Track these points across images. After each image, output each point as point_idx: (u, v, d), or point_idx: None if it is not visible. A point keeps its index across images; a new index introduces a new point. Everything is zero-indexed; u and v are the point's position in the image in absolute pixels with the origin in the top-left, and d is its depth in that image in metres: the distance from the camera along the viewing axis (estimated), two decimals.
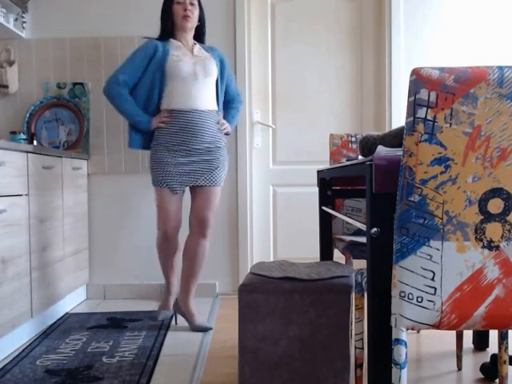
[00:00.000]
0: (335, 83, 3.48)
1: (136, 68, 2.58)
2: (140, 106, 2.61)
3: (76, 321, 2.79)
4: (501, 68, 1.09)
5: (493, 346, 2.27)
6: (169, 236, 2.64)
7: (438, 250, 1.15)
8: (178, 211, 2.62)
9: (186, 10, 2.58)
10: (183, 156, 2.55)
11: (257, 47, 3.46)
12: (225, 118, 2.78)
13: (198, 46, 2.69)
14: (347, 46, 3.47)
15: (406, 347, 1.19)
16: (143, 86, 2.59)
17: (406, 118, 1.14)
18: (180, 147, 2.54)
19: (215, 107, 2.65)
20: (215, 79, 2.65)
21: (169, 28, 2.64)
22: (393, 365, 1.19)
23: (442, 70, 1.10)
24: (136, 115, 2.57)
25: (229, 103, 2.82)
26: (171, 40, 2.65)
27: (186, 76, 2.54)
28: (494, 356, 1.95)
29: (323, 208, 2.33)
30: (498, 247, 1.15)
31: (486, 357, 2.18)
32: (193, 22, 2.63)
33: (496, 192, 1.14)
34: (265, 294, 1.65)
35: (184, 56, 2.58)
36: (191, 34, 2.69)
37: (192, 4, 2.61)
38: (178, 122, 2.53)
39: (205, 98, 2.58)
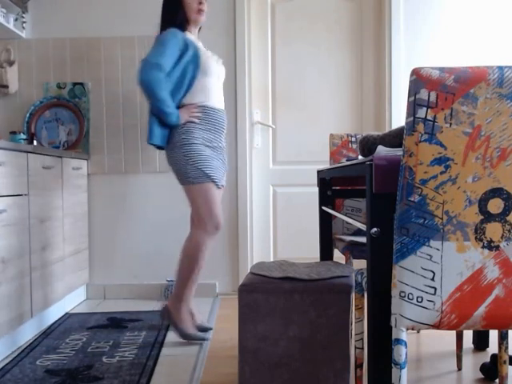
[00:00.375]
0: (335, 83, 3.48)
1: (171, 55, 2.36)
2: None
3: (76, 321, 2.79)
4: (501, 68, 1.09)
5: (493, 346, 2.27)
6: (218, 231, 2.47)
7: (438, 249, 1.15)
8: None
9: (201, 3, 2.46)
10: (217, 153, 2.49)
11: (257, 47, 3.46)
12: None
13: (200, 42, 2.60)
14: (347, 46, 3.47)
15: (406, 347, 1.19)
16: (172, 77, 2.39)
17: (406, 118, 1.14)
18: (213, 144, 2.47)
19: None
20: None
21: (181, 20, 2.46)
22: (393, 365, 1.19)
23: (442, 69, 1.10)
24: (168, 106, 2.34)
25: None
26: (187, 33, 2.50)
27: (214, 75, 2.47)
28: (493, 356, 1.95)
29: (323, 208, 2.33)
30: (497, 247, 1.15)
31: (486, 357, 2.18)
32: (205, 17, 2.52)
33: (496, 192, 1.14)
34: (265, 294, 1.65)
35: (207, 53, 2.49)
36: (198, 29, 2.59)
37: None
38: (211, 118, 2.45)
39: (222, 97, 2.56)
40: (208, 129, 2.44)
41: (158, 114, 2.35)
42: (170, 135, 2.42)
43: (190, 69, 2.40)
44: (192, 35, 2.51)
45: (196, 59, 2.41)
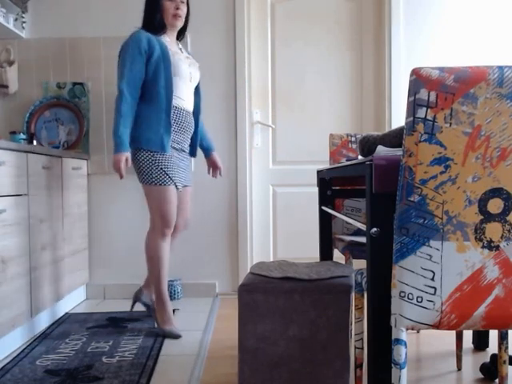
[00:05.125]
0: (335, 83, 3.48)
1: (137, 63, 2.40)
2: (154, 103, 2.45)
3: (76, 321, 2.79)
4: (501, 68, 1.09)
5: (493, 346, 2.27)
6: (170, 230, 2.54)
7: (438, 249, 1.15)
8: (176, 209, 2.59)
9: (177, 8, 2.49)
10: (183, 155, 2.60)
11: (257, 47, 3.46)
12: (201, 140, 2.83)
13: (179, 45, 2.64)
14: (347, 46, 3.47)
15: (406, 347, 1.19)
16: (150, 84, 2.44)
17: (406, 118, 1.14)
18: (181, 146, 2.55)
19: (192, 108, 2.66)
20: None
21: (158, 22, 2.50)
22: (393, 365, 1.19)
23: (441, 69, 1.10)
24: (121, 134, 2.36)
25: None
26: (163, 36, 2.53)
27: (184, 76, 2.51)
28: (493, 356, 1.95)
29: (323, 208, 2.33)
30: (497, 247, 1.15)
31: (485, 357, 2.18)
32: (182, 22, 2.55)
33: (496, 192, 1.14)
34: (265, 294, 1.65)
35: (178, 54, 2.51)
36: (176, 32, 2.61)
37: (183, 2, 2.53)
38: (182, 120, 2.52)
39: (192, 100, 2.61)
40: (177, 130, 2.51)
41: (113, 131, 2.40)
42: (135, 134, 2.46)
43: (161, 66, 2.42)
44: (168, 38, 2.53)
45: (165, 57, 2.43)
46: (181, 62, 2.48)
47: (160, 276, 2.52)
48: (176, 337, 2.48)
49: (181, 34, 2.66)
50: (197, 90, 2.67)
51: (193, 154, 2.73)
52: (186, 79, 2.51)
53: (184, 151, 2.60)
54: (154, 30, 2.49)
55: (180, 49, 2.61)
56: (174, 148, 2.52)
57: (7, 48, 3.26)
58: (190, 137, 2.61)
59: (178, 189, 2.50)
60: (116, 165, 2.36)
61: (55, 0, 3.32)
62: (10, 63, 3.24)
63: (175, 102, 2.48)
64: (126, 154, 2.38)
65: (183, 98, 2.52)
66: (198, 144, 2.72)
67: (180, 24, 2.54)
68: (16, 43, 3.28)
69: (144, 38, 2.41)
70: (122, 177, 2.39)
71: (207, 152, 2.84)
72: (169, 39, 2.54)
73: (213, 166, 2.84)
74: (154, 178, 2.44)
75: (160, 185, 2.44)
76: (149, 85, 2.44)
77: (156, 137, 2.43)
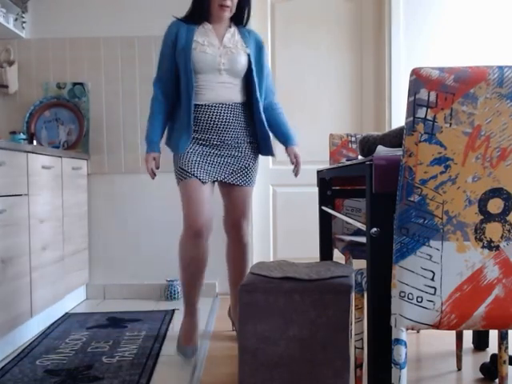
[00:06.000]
0: (335, 83, 3.48)
1: (166, 56, 2.30)
2: (180, 101, 2.30)
3: (76, 321, 2.79)
4: (501, 68, 1.09)
5: (493, 346, 2.27)
6: (201, 233, 2.23)
7: (438, 249, 1.15)
8: (208, 203, 2.27)
9: None
10: (218, 149, 2.31)
11: None
12: (274, 128, 2.46)
13: (231, 32, 2.34)
14: (347, 46, 3.47)
15: (406, 347, 1.19)
16: (179, 79, 2.30)
17: (406, 118, 1.13)
18: (211, 142, 2.30)
19: (245, 99, 2.35)
20: (243, 74, 2.33)
21: (201, 11, 2.29)
22: (393, 365, 1.19)
23: (441, 69, 1.10)
24: (149, 134, 2.31)
25: (266, 107, 2.45)
26: (203, 25, 2.31)
27: (209, 70, 2.25)
28: (493, 356, 1.95)
29: (323, 208, 2.32)
30: (497, 247, 1.15)
31: (485, 357, 2.18)
32: (230, 12, 2.30)
33: (496, 192, 1.14)
34: (265, 294, 1.65)
35: (209, 45, 2.27)
36: (226, 20, 2.34)
37: None
38: (201, 118, 2.27)
39: (231, 92, 2.30)
40: (198, 130, 2.28)
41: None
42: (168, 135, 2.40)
43: (182, 59, 2.25)
44: (210, 27, 2.31)
45: (186, 49, 2.24)
46: (204, 55, 2.24)
47: (184, 280, 2.29)
48: (186, 356, 2.22)
49: (239, 18, 2.38)
50: (251, 79, 2.32)
51: (262, 151, 2.41)
52: (214, 71, 2.25)
53: (219, 146, 2.30)
54: (192, 19, 2.31)
55: (222, 36, 2.32)
56: (203, 144, 2.29)
57: (7, 48, 3.26)
58: (229, 132, 2.29)
59: (203, 182, 2.24)
60: (146, 167, 2.32)
61: (55, 0, 3.32)
62: (10, 63, 3.24)
63: (199, 98, 2.26)
64: (154, 155, 2.29)
65: (211, 93, 2.26)
66: (263, 138, 2.37)
67: (227, 15, 2.29)
68: (16, 43, 3.28)
69: (173, 28, 2.29)
70: (152, 177, 2.33)
71: (285, 145, 2.47)
72: (212, 28, 2.30)
73: (291, 162, 2.46)
74: (177, 176, 2.30)
75: (181, 180, 2.26)
76: (179, 80, 2.30)
77: (176, 138, 2.29)
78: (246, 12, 2.40)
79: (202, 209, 2.23)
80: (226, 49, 2.29)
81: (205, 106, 2.26)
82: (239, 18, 2.38)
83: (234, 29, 2.36)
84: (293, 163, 2.44)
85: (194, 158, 2.27)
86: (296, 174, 2.46)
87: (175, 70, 2.30)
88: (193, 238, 2.22)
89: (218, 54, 2.27)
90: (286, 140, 2.45)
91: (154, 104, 2.32)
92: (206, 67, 2.24)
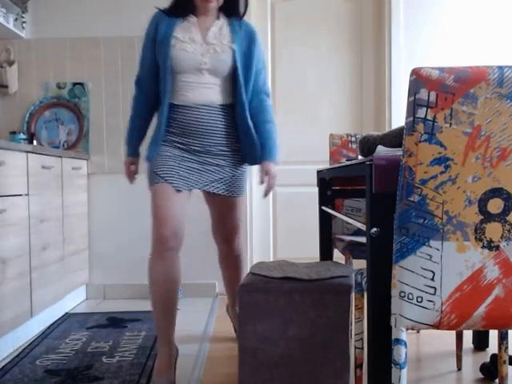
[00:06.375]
0: (335, 83, 3.48)
1: (148, 68, 2.08)
2: (160, 102, 2.09)
3: (76, 321, 2.79)
4: (501, 68, 1.09)
5: (493, 346, 2.27)
6: (170, 246, 1.91)
7: (438, 249, 1.15)
8: (180, 215, 1.97)
9: None
10: (197, 157, 2.06)
11: None
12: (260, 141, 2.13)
13: (219, 25, 2.07)
14: (347, 46, 3.47)
15: (406, 347, 1.19)
16: (160, 78, 2.07)
17: (406, 118, 1.13)
18: (191, 148, 2.05)
19: (230, 100, 2.09)
20: (228, 73, 2.06)
21: (185, 2, 2.05)
22: (393, 365, 1.19)
23: (441, 69, 1.10)
24: (127, 137, 2.15)
25: (250, 110, 2.12)
26: (188, 18, 2.07)
27: (190, 69, 2.01)
28: (493, 356, 1.95)
29: (323, 208, 2.32)
30: (497, 247, 1.15)
31: (485, 357, 2.18)
32: (217, 3, 2.04)
33: (496, 192, 1.14)
34: (265, 294, 1.65)
35: (190, 42, 2.01)
36: (214, 12, 2.09)
37: None
38: (179, 120, 2.03)
39: (213, 93, 2.05)
40: (176, 132, 2.04)
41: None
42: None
43: (161, 56, 2.02)
44: (195, 20, 2.05)
45: (163, 45, 2.00)
46: (183, 54, 1.99)
47: (155, 305, 1.94)
48: None
49: (230, 9, 2.11)
50: (236, 78, 2.06)
51: (246, 159, 2.13)
52: (195, 71, 2.00)
53: (201, 153, 2.05)
54: (176, 11, 2.06)
55: (207, 31, 2.05)
56: (182, 149, 2.05)
57: (7, 48, 3.26)
58: (211, 137, 2.04)
59: (177, 190, 1.97)
60: (125, 171, 2.18)
61: (55, 0, 3.32)
62: (10, 63, 3.24)
63: (177, 98, 2.03)
64: (132, 159, 2.15)
65: (191, 94, 2.02)
66: (248, 145, 2.10)
67: (213, 5, 2.03)
68: (16, 43, 3.28)
69: (153, 20, 2.07)
70: (130, 182, 2.18)
71: (260, 157, 2.13)
72: (196, 22, 2.06)
73: (260, 178, 2.12)
74: (148, 181, 2.05)
75: (152, 185, 2.01)
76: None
77: (151, 143, 2.06)
78: (242, 2, 2.13)
79: (172, 220, 1.92)
80: (209, 46, 2.03)
81: (184, 107, 2.02)
82: (231, 9, 2.11)
83: (223, 21, 2.09)
84: (261, 182, 2.10)
85: (170, 162, 2.00)
86: (265, 196, 2.11)
87: (156, 69, 2.07)
88: (162, 253, 1.91)
89: (200, 52, 2.01)
90: (262, 152, 2.12)
91: (134, 105, 2.14)
92: (185, 66, 2.00)
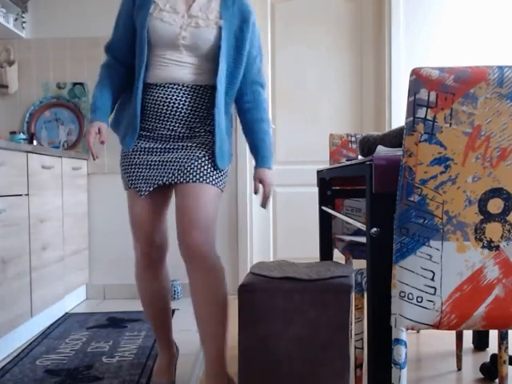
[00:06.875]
0: (335, 83, 3.48)
1: (123, 32, 1.81)
2: (133, 78, 1.80)
3: (76, 321, 2.79)
4: (501, 68, 1.09)
5: (493, 346, 2.27)
6: (151, 261, 1.77)
7: (438, 249, 1.15)
8: (151, 221, 1.74)
9: None
10: (162, 143, 1.76)
11: None
12: (251, 143, 1.85)
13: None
14: (347, 46, 3.47)
15: (406, 347, 1.19)
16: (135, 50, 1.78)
17: (406, 118, 1.13)
18: (156, 133, 1.75)
19: (209, 81, 1.76)
20: (211, 54, 1.74)
21: None
22: (393, 365, 1.19)
23: (441, 69, 1.10)
24: (94, 101, 1.79)
25: (242, 105, 1.84)
26: None
27: (165, 43, 1.72)
28: (493, 356, 1.95)
29: (323, 208, 2.33)
30: (497, 247, 1.15)
31: (485, 357, 2.18)
32: None
33: (496, 192, 1.14)
34: (265, 294, 1.65)
35: (171, 12, 1.72)
36: None
37: None
38: (148, 101, 1.74)
39: (189, 71, 1.73)
40: (145, 118, 1.75)
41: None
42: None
43: (137, 24, 1.74)
44: None
45: (141, 13, 1.72)
46: (160, 24, 1.70)
47: (147, 315, 1.89)
48: None
49: None
50: (217, 58, 1.73)
51: (216, 157, 1.73)
52: (172, 46, 1.71)
53: (168, 138, 1.75)
54: None
55: (201, 4, 1.74)
56: (148, 138, 1.76)
57: (7, 48, 3.26)
58: (181, 120, 1.73)
59: (140, 193, 1.72)
60: (86, 138, 1.75)
61: (55, 0, 3.32)
62: (10, 63, 3.24)
63: (149, 76, 1.74)
64: (99, 124, 1.73)
65: (164, 71, 1.72)
66: (219, 140, 1.74)
67: None
68: (16, 43, 3.28)
69: None
70: (93, 156, 1.74)
71: (255, 163, 1.86)
72: None
73: (254, 186, 1.85)
74: (123, 182, 1.83)
75: (125, 190, 1.81)
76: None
77: (124, 127, 1.79)
78: None
79: (147, 230, 1.73)
80: (192, 19, 1.71)
81: (154, 85, 1.73)
82: None
83: None
84: (255, 192, 1.84)
85: (136, 161, 1.75)
86: (263, 206, 1.84)
87: (132, 38, 1.78)
88: (144, 267, 1.79)
89: (180, 24, 1.71)
90: (255, 157, 1.85)
91: (103, 70, 1.85)
92: (161, 39, 1.71)
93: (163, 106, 1.72)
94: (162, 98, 1.72)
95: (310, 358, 1.64)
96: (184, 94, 1.73)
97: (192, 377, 2.00)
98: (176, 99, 1.72)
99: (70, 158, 3.01)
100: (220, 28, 1.72)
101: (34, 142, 3.13)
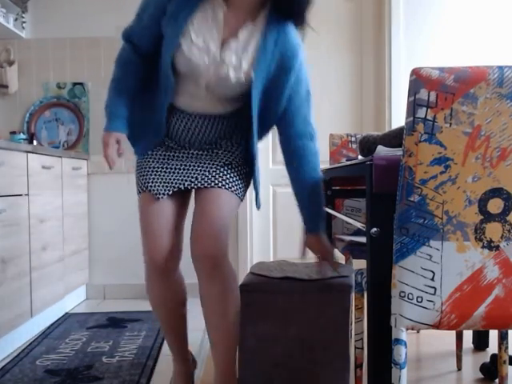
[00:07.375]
0: (335, 83, 3.48)
1: (146, 25, 1.58)
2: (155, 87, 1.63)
3: (76, 321, 2.79)
4: (501, 68, 1.09)
5: (493, 346, 2.27)
6: (164, 269, 1.60)
7: (438, 249, 1.15)
8: (167, 228, 1.60)
9: None
10: (182, 152, 1.67)
11: None
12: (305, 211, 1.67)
13: (249, 31, 1.51)
14: (347, 46, 3.47)
15: (406, 347, 1.19)
16: (161, 56, 1.57)
17: (406, 118, 1.13)
18: (178, 144, 1.67)
19: (238, 116, 1.67)
20: (239, 97, 1.60)
21: None
22: (393, 365, 1.19)
23: (441, 69, 1.10)
24: (112, 104, 1.68)
25: (288, 159, 1.69)
26: (210, 3, 1.51)
27: (189, 79, 1.56)
28: (493, 356, 1.95)
29: None
30: (497, 247, 1.15)
31: (485, 357, 2.18)
32: None
33: (496, 192, 1.14)
34: (265, 294, 1.65)
35: (202, 50, 1.49)
36: (254, 4, 1.50)
37: None
38: (185, 126, 1.63)
39: (219, 107, 1.62)
40: (167, 134, 1.68)
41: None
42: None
43: (165, 41, 1.53)
44: (219, 20, 1.50)
45: (172, 29, 1.49)
46: (188, 62, 1.50)
47: (160, 323, 1.76)
48: None
49: (286, 11, 1.55)
50: (250, 109, 1.57)
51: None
52: (198, 85, 1.56)
53: (190, 145, 1.66)
54: None
55: (241, 44, 1.51)
56: (167, 147, 1.67)
57: (7, 48, 3.26)
58: (205, 135, 1.64)
59: (157, 196, 1.60)
60: (103, 150, 1.62)
61: (55, 0, 3.32)
62: (10, 63, 3.24)
63: (179, 101, 1.61)
64: (118, 135, 1.61)
65: (188, 99, 1.60)
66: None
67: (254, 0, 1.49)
68: (16, 43, 3.28)
69: None
70: (110, 166, 1.59)
71: (306, 228, 1.70)
72: (223, 18, 1.50)
73: (303, 251, 1.71)
74: (136, 187, 1.72)
75: (138, 194, 1.69)
76: (160, 51, 1.58)
77: (140, 133, 1.70)
78: (298, 4, 1.56)
79: (161, 237, 1.58)
80: (223, 65, 1.51)
81: (177, 109, 1.63)
82: (283, 8, 1.52)
83: (258, 25, 1.52)
84: (317, 262, 1.68)
85: (152, 164, 1.65)
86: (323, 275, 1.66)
87: (156, 37, 1.57)
88: (156, 277, 1.63)
89: (207, 67, 1.52)
90: (308, 222, 1.68)
91: (120, 66, 1.62)
92: (185, 75, 1.56)
93: (188, 130, 1.63)
94: (190, 122, 1.62)
95: (310, 357, 1.64)
96: (214, 120, 1.63)
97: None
98: (202, 126, 1.62)
99: (70, 158, 3.00)
100: (251, 82, 1.53)
101: (34, 142, 3.12)
